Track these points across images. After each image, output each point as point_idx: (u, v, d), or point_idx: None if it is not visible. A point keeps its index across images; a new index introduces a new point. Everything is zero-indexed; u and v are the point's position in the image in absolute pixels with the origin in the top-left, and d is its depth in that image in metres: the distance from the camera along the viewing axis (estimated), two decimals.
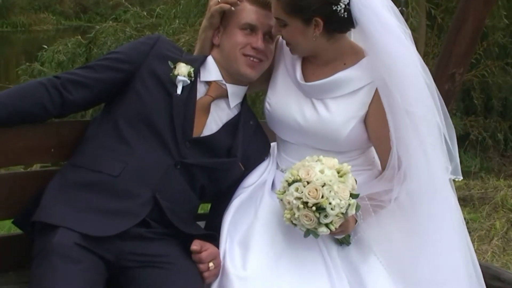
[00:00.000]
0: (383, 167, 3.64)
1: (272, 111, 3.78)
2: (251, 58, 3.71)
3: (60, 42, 12.15)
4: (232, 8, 3.75)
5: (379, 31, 3.55)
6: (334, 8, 3.51)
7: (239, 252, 3.52)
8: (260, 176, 3.80)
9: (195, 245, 3.51)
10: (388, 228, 3.57)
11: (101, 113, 3.75)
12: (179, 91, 3.64)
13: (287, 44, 3.70)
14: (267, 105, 3.80)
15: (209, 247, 3.52)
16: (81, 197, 3.46)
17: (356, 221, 3.51)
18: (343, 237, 3.53)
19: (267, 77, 3.88)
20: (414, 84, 3.56)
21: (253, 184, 3.77)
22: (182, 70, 3.67)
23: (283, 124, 3.76)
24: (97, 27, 11.81)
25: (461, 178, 3.75)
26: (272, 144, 3.96)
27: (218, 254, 3.52)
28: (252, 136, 3.81)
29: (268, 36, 3.75)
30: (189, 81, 3.66)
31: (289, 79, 3.78)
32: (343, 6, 3.51)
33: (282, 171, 3.74)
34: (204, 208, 4.07)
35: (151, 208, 3.50)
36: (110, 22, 11.79)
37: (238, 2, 3.76)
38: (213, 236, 3.59)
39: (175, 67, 3.68)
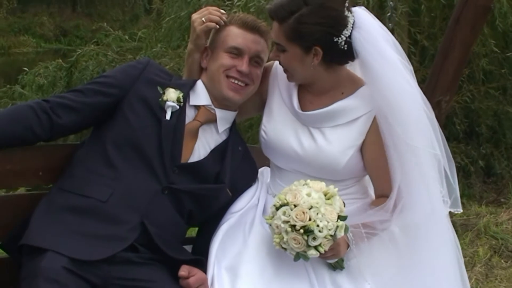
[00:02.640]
0: (377, 195, 3.68)
1: (269, 140, 3.77)
2: (235, 81, 3.70)
3: (41, 65, 12.08)
4: (217, 26, 3.75)
5: (380, 64, 3.57)
6: (335, 40, 3.53)
7: (228, 279, 3.50)
8: (249, 202, 3.79)
9: (183, 270, 3.50)
10: (380, 258, 3.57)
11: (89, 136, 3.72)
12: (168, 116, 3.63)
13: (285, 71, 3.69)
14: (262, 133, 3.79)
15: (197, 273, 3.51)
16: (70, 220, 3.44)
17: (348, 245, 3.51)
18: (336, 261, 3.52)
19: (258, 104, 3.89)
20: (414, 117, 3.57)
21: (242, 209, 3.76)
22: (171, 95, 3.65)
23: (280, 152, 3.75)
24: (78, 50, 11.76)
25: (461, 210, 3.76)
26: (260, 169, 3.95)
27: (206, 279, 3.51)
28: (240, 162, 3.79)
29: (255, 61, 3.74)
30: (178, 107, 3.65)
31: (285, 107, 3.77)
32: (344, 38, 3.53)
33: (275, 197, 3.66)
34: (191, 231, 4.03)
35: (139, 233, 3.48)
36: (92, 45, 11.73)
37: (222, 21, 3.76)
38: (200, 261, 3.57)
39: (164, 93, 3.66)
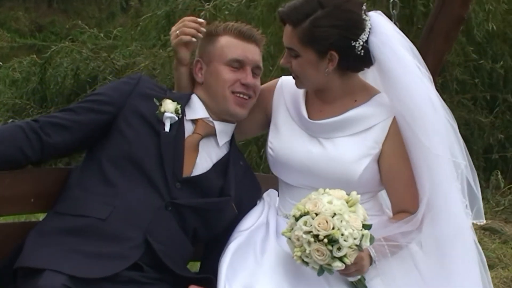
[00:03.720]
0: (396, 211, 3.51)
1: (276, 156, 3.62)
2: (241, 95, 3.58)
3: (15, 60, 12.01)
4: (193, 39, 3.60)
5: (399, 69, 3.46)
6: (352, 44, 3.42)
7: None
8: (257, 220, 3.62)
9: None
10: (401, 276, 3.43)
11: (83, 159, 3.58)
12: (167, 128, 3.52)
13: (295, 77, 3.55)
14: (269, 150, 3.65)
15: None
16: (67, 241, 3.30)
17: (371, 259, 3.32)
18: (358, 279, 3.32)
19: (263, 123, 3.76)
20: (438, 126, 3.45)
21: (250, 227, 3.58)
22: (169, 106, 3.54)
23: (288, 167, 3.59)
24: (53, 47, 11.67)
25: (484, 221, 3.61)
26: (267, 191, 3.78)
27: None
28: (242, 177, 3.66)
29: (254, 72, 3.63)
30: (177, 118, 3.53)
31: (292, 121, 3.63)
32: (361, 43, 3.42)
33: (287, 217, 3.44)
34: (192, 267, 3.90)
35: (143, 251, 3.34)
36: (67, 42, 11.67)
37: (199, 34, 3.61)
38: (208, 280, 3.42)
39: (161, 104, 3.54)
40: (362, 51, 3.44)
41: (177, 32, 3.64)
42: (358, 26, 3.44)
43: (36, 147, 3.46)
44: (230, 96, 3.59)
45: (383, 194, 3.65)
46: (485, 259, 3.66)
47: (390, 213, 3.61)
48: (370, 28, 3.46)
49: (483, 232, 8.20)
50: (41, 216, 3.63)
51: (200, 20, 3.69)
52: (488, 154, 10.34)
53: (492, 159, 10.32)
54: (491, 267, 7.32)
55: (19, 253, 3.35)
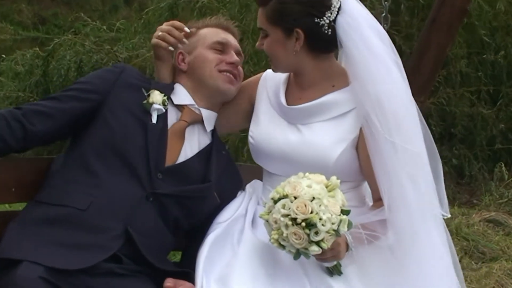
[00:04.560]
0: (375, 199, 3.49)
1: (256, 143, 3.64)
2: (228, 73, 3.62)
3: (18, 53, 11.99)
4: (170, 48, 3.63)
5: (363, 55, 3.41)
6: (316, 21, 3.40)
7: None
8: (236, 211, 3.61)
9: (169, 282, 3.35)
10: (376, 265, 3.38)
11: (67, 148, 3.57)
12: (154, 120, 3.53)
13: (269, 60, 3.57)
14: (250, 139, 3.66)
15: (183, 284, 3.35)
16: (46, 232, 3.29)
17: (348, 247, 3.30)
18: (334, 265, 3.31)
19: (249, 115, 3.76)
20: (399, 116, 3.38)
21: (228, 219, 3.57)
22: (157, 98, 3.55)
23: (268, 155, 3.61)
24: (56, 39, 11.65)
25: (448, 215, 3.53)
26: (251, 182, 3.80)
27: None
28: (224, 167, 3.68)
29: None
30: (164, 110, 3.53)
31: (272, 109, 3.65)
32: (327, 21, 3.40)
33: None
34: (176, 257, 3.89)
35: (123, 242, 3.33)
36: (69, 35, 11.65)
37: (180, 45, 3.64)
38: (187, 273, 3.40)
39: (149, 95, 3.55)
40: (330, 30, 3.43)
41: (160, 34, 3.66)
42: (322, 3, 3.43)
43: (19, 136, 3.44)
44: (218, 75, 3.65)
45: (368, 187, 3.62)
46: (455, 251, 3.60)
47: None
48: (339, 8, 3.44)
49: (486, 224, 8.21)
50: (21, 206, 3.61)
51: (187, 29, 3.71)
52: (492, 146, 10.33)
53: (496, 151, 10.32)
54: (494, 259, 7.33)
55: None
